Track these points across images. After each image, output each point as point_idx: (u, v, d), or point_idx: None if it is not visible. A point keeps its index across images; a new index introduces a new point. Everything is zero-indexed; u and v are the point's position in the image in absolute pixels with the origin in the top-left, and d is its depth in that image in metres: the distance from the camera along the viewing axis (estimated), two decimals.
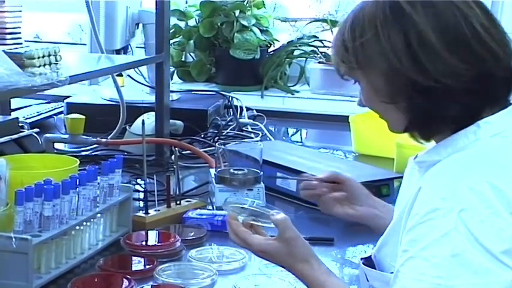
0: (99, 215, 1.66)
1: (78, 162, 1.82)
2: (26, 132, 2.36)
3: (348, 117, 2.49)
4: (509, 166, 1.09)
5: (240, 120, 2.86)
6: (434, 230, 1.04)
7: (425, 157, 1.21)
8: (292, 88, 3.26)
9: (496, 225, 1.03)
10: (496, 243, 1.03)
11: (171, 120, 2.50)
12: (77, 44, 3.80)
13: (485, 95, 1.14)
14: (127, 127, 2.52)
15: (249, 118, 2.91)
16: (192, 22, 3.42)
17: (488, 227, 1.03)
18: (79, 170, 1.71)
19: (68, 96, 2.88)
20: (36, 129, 2.42)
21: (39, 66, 1.89)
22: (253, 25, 3.32)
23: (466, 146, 1.13)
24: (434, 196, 1.07)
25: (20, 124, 2.44)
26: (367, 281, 1.26)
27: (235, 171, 1.98)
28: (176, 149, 2.10)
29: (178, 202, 1.91)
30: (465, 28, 1.12)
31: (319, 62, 3.29)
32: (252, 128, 2.82)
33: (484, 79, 1.13)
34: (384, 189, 1.93)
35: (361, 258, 1.29)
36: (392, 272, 1.17)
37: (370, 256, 1.27)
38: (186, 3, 3.46)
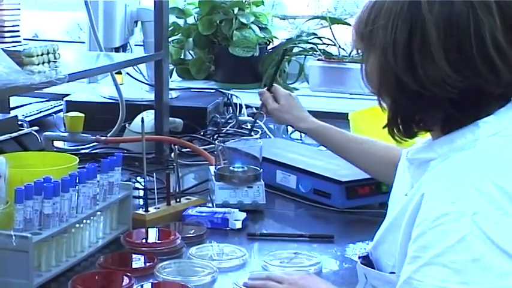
0: (99, 212, 1.66)
1: (78, 160, 1.82)
2: (26, 130, 2.35)
3: (347, 114, 2.48)
4: (511, 166, 1.08)
5: (240, 117, 2.85)
6: (449, 235, 1.03)
7: (419, 154, 1.20)
8: (291, 86, 3.25)
9: (509, 226, 1.03)
10: None
11: (170, 118, 2.49)
12: (75, 42, 3.79)
13: (474, 107, 1.12)
14: (126, 125, 2.52)
15: (248, 116, 2.91)
16: (191, 20, 3.41)
17: (503, 228, 1.02)
18: (79, 168, 1.71)
19: (67, 95, 2.88)
20: (36, 128, 2.41)
21: (38, 64, 1.89)
22: (252, 23, 3.31)
23: (464, 146, 1.12)
24: (442, 200, 1.05)
25: (20, 122, 2.44)
26: (366, 279, 1.26)
27: (235, 169, 1.98)
28: (176, 146, 2.09)
29: (178, 200, 1.91)
30: (472, 39, 1.08)
31: (318, 60, 3.28)
32: (251, 126, 2.82)
33: (475, 93, 1.11)
34: (383, 186, 1.93)
35: (359, 257, 1.28)
36: (392, 272, 1.17)
37: (367, 254, 1.27)
38: (185, 1, 3.46)
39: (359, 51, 1.21)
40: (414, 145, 1.25)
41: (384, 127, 1.20)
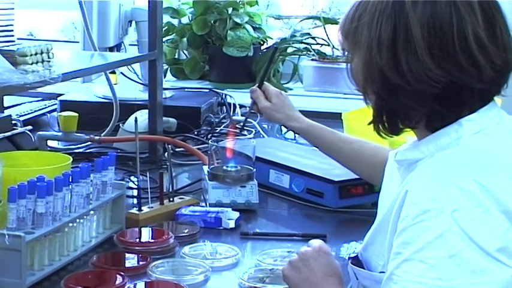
0: (92, 212, 1.66)
1: (71, 159, 1.82)
2: (19, 129, 2.36)
3: (340, 114, 2.49)
4: (493, 164, 1.10)
5: (233, 117, 2.86)
6: (428, 231, 1.04)
7: (406, 155, 1.21)
8: (285, 85, 3.26)
9: (488, 223, 1.04)
10: (490, 241, 1.03)
11: (164, 118, 2.50)
12: (70, 41, 3.80)
13: (457, 103, 1.14)
14: (120, 125, 2.52)
15: (242, 115, 2.91)
16: (185, 20, 3.42)
17: (481, 225, 1.03)
18: (72, 167, 1.71)
19: (61, 94, 2.88)
20: (30, 127, 2.41)
21: (32, 64, 1.90)
22: (246, 22, 3.32)
23: (449, 145, 1.13)
24: (424, 197, 1.06)
25: (13, 122, 2.44)
26: (357, 279, 1.27)
27: (228, 168, 1.98)
28: (169, 146, 2.10)
29: (171, 199, 1.92)
30: (455, 36, 1.10)
31: (312, 59, 3.29)
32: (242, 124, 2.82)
33: (458, 89, 1.12)
34: (376, 186, 1.93)
35: (349, 258, 1.29)
36: (381, 272, 1.18)
37: (357, 255, 1.28)
38: (179, 0, 3.46)
39: (345, 50, 1.23)
40: (401, 146, 1.26)
41: (369, 123, 1.21)
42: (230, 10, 3.31)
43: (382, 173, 1.38)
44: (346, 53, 1.22)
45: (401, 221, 1.08)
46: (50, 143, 2.46)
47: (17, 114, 2.64)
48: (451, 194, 1.05)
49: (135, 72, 2.89)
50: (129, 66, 2.84)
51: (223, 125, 2.78)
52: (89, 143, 2.43)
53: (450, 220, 1.03)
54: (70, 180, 1.58)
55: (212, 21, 3.31)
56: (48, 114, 2.84)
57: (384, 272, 1.14)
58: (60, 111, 2.58)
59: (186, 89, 3.12)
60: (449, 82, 1.11)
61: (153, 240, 1.70)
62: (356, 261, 1.26)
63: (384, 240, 1.15)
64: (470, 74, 1.11)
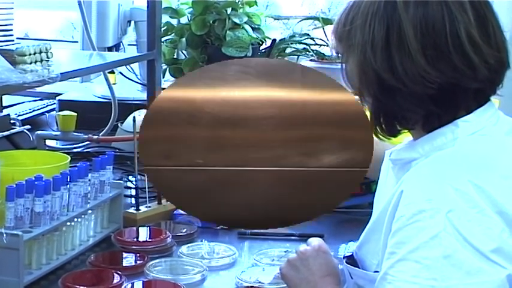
0: (90, 211, 1.67)
1: (70, 158, 1.82)
2: (18, 129, 2.36)
3: None
4: (489, 165, 1.10)
5: None
6: (423, 232, 1.04)
7: (401, 154, 1.21)
8: None
9: (483, 224, 1.04)
10: (485, 242, 1.03)
11: None
12: (69, 41, 3.80)
13: (452, 103, 1.14)
14: (119, 124, 2.53)
15: None
16: (184, 20, 3.41)
17: (476, 226, 1.03)
18: (70, 167, 1.71)
19: (60, 94, 2.88)
20: (28, 126, 2.42)
21: (31, 63, 1.90)
22: (245, 23, 3.31)
23: (444, 145, 1.14)
24: (419, 198, 1.06)
25: (12, 121, 2.44)
26: (351, 278, 1.27)
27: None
28: None
29: None
30: (448, 35, 1.10)
31: (311, 60, 3.29)
32: None
33: (453, 89, 1.12)
34: (373, 185, 1.93)
35: (344, 257, 1.29)
36: (376, 271, 1.18)
37: (352, 254, 1.28)
38: (178, 0, 3.46)
39: (339, 54, 1.23)
40: (397, 145, 1.27)
41: None
42: (229, 10, 3.31)
43: (378, 167, 1.38)
44: (341, 55, 1.22)
45: (396, 221, 1.08)
46: (49, 142, 2.47)
47: (16, 114, 2.64)
48: (446, 195, 1.05)
49: (133, 72, 2.90)
50: (127, 66, 2.84)
51: None
52: (87, 142, 2.44)
53: (445, 221, 1.03)
54: (68, 180, 1.59)
55: (211, 22, 3.30)
56: (46, 114, 2.84)
57: (378, 272, 1.14)
58: (59, 111, 2.58)
59: None
60: (445, 82, 1.11)
61: (150, 240, 1.71)
62: (351, 260, 1.27)
63: (379, 240, 1.15)
64: (465, 74, 1.11)
